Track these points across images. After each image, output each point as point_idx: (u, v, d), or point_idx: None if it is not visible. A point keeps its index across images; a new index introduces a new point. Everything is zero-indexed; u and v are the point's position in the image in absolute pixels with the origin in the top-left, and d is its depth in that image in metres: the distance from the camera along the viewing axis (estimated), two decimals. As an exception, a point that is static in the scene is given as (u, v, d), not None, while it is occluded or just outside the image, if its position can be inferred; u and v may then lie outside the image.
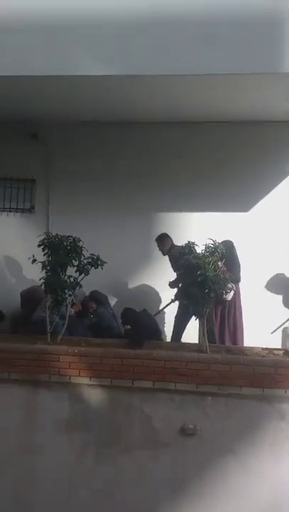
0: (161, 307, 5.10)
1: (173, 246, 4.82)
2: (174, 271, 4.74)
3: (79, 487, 3.36)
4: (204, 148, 5.37)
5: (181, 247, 4.47)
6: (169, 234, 5.03)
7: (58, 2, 3.99)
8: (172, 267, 4.77)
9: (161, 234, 4.94)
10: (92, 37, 3.95)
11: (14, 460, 3.44)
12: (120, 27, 3.90)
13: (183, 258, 3.80)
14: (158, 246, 4.93)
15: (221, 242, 4.14)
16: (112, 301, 5.34)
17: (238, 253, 4.73)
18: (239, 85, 4.20)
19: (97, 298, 4.99)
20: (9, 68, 4.02)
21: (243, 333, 4.74)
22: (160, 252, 4.97)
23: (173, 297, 4.78)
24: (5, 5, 4.01)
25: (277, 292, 5.19)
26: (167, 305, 4.95)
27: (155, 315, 4.89)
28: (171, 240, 4.90)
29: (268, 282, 5.22)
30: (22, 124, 5.39)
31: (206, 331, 3.65)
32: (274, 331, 4.81)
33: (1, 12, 4.00)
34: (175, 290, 4.77)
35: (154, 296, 5.33)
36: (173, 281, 4.74)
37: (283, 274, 5.17)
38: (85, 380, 3.40)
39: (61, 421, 3.39)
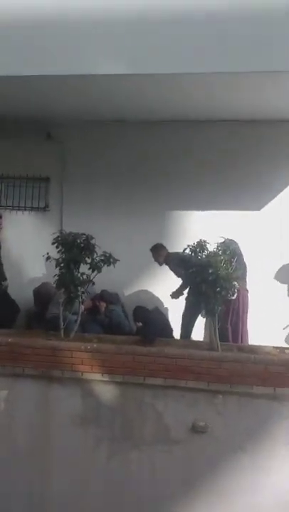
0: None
1: (168, 255, 4.84)
2: (176, 275, 4.75)
3: (92, 481, 3.41)
4: (219, 148, 5.36)
5: (177, 253, 4.50)
6: (181, 233, 5.04)
7: (73, 1, 4.04)
8: (173, 272, 4.78)
9: (156, 244, 4.97)
10: (106, 36, 3.99)
11: (28, 453, 3.51)
12: (134, 26, 3.92)
13: (194, 256, 3.82)
14: (153, 256, 4.95)
15: (225, 242, 4.15)
16: (122, 300, 5.38)
17: (249, 253, 4.71)
18: (255, 84, 4.19)
19: (107, 297, 5.03)
20: (24, 68, 4.09)
21: (247, 332, 4.74)
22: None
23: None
24: (21, 4, 4.08)
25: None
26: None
27: None
28: (166, 250, 4.92)
29: (278, 275, 5.20)
30: (36, 123, 5.46)
31: (217, 329, 3.66)
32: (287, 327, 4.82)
33: (16, 11, 4.07)
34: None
35: (166, 296, 5.35)
36: (175, 291, 4.76)
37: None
38: (98, 376, 3.44)
39: (74, 416, 3.45)
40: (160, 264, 4.94)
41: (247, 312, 4.73)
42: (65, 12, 4.03)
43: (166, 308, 5.22)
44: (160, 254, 4.91)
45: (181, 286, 4.74)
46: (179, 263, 4.52)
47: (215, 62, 3.82)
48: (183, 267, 4.36)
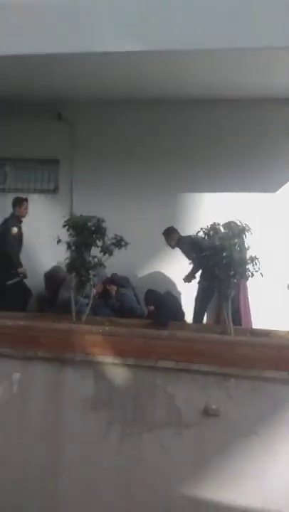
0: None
1: (180, 238, 4.80)
2: (188, 258, 4.71)
3: (104, 464, 3.44)
4: (230, 128, 5.23)
5: (189, 236, 4.44)
6: (194, 215, 4.96)
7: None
8: (186, 256, 4.74)
9: (168, 228, 4.94)
10: (114, 13, 3.86)
11: (41, 436, 3.55)
12: (142, 2, 3.79)
13: (207, 240, 3.75)
14: (165, 240, 4.93)
15: (225, 224, 4.07)
16: (135, 283, 5.36)
17: (262, 236, 4.61)
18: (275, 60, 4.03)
19: (117, 281, 5.02)
20: (32, 46, 3.99)
21: (250, 315, 4.72)
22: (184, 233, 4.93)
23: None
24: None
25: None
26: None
27: None
28: (178, 233, 4.88)
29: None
30: (46, 103, 5.37)
31: (230, 313, 3.62)
32: None
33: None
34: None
35: (179, 279, 5.31)
36: (187, 275, 4.72)
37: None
38: (109, 359, 3.44)
39: (86, 398, 3.46)
40: (172, 247, 4.91)
41: (247, 296, 4.74)
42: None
43: (179, 291, 5.19)
44: (172, 237, 4.88)
45: (192, 269, 4.71)
46: (191, 246, 4.48)
47: (223, 39, 3.68)
48: (195, 250, 4.33)
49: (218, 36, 3.67)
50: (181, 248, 4.79)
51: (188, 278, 4.71)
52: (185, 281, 4.76)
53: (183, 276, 4.78)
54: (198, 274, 4.63)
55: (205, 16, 3.71)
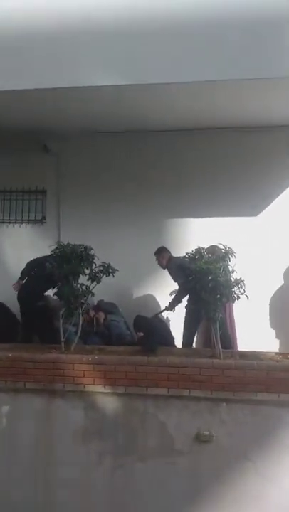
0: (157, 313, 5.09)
1: (171, 258, 4.86)
2: (175, 281, 4.75)
3: (96, 498, 3.35)
4: (212, 155, 5.40)
5: (179, 258, 4.51)
6: (180, 240, 5.05)
7: (65, 13, 4.09)
8: (173, 278, 4.78)
9: (160, 247, 5.00)
10: (99, 48, 4.04)
11: (31, 468, 3.46)
12: (130, 36, 3.98)
13: (194, 263, 3.81)
14: (157, 259, 4.96)
15: (209, 248, 4.16)
16: (123, 308, 5.36)
17: (246, 258, 4.70)
18: (247, 90, 4.24)
19: (104, 307, 5.00)
20: (20, 82, 4.13)
21: (236, 337, 4.78)
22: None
23: (166, 305, 4.79)
24: (16, 17, 4.12)
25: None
26: (160, 312, 4.95)
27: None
28: (169, 253, 4.93)
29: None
30: (32, 136, 5.49)
31: (218, 336, 3.64)
32: None
33: (12, 24, 4.11)
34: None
35: (164, 304, 5.34)
36: (171, 302, 4.74)
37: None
38: (100, 388, 3.41)
39: (77, 430, 3.40)
40: (163, 267, 4.91)
41: (233, 318, 4.82)
42: (60, 25, 4.08)
43: (168, 316, 5.20)
44: (163, 256, 4.90)
45: (177, 294, 4.72)
46: (178, 269, 4.52)
47: (212, 71, 3.87)
48: (182, 273, 4.36)
49: (203, 68, 3.87)
50: (169, 270, 4.82)
51: (172, 306, 4.70)
52: (168, 310, 4.75)
53: (165, 305, 4.79)
54: (184, 299, 4.65)
55: (189, 48, 3.90)
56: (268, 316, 5.17)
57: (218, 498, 3.25)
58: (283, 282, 5.24)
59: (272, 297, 5.21)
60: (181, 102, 4.61)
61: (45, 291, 4.60)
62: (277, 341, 5.11)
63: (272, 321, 5.17)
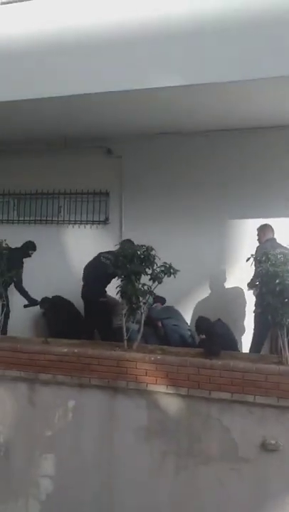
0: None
1: (269, 240, 4.59)
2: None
3: (159, 495, 3.37)
4: (273, 155, 5.21)
5: (266, 247, 4.31)
6: (242, 241, 4.92)
7: (127, 16, 4.16)
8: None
9: (266, 224, 4.77)
10: (159, 49, 4.06)
11: (95, 463, 3.56)
12: (187, 38, 3.97)
13: (260, 266, 3.68)
14: (257, 234, 4.73)
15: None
16: (183, 311, 5.33)
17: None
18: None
19: (160, 314, 4.97)
20: (82, 86, 4.29)
21: None
22: (231, 260, 4.87)
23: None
24: (76, 21, 4.27)
25: None
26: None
27: None
28: (272, 233, 4.67)
29: None
30: (96, 140, 5.67)
31: (286, 342, 3.49)
32: None
33: (78, 29, 4.27)
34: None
35: (228, 304, 5.24)
36: (250, 282, 4.55)
37: None
38: (162, 388, 3.42)
39: (140, 428, 3.45)
40: (260, 243, 4.68)
41: None
42: (117, 29, 4.17)
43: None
44: (265, 233, 4.68)
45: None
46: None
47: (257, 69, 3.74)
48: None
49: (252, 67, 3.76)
50: (257, 248, 4.60)
51: (252, 284, 4.49)
52: (249, 288, 4.56)
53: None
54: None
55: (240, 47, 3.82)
56: None
57: (283, 506, 3.12)
58: None
59: None
60: (239, 100, 4.50)
61: (106, 285, 4.79)
62: None
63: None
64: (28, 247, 5.48)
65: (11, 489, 3.72)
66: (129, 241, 4.58)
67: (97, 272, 4.84)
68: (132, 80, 4.18)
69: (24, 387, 3.75)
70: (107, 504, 3.47)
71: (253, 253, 3.86)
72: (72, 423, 3.63)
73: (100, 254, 4.96)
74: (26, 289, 5.33)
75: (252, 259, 3.75)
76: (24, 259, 5.43)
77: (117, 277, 4.04)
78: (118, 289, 3.96)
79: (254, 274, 4.44)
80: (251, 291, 4.40)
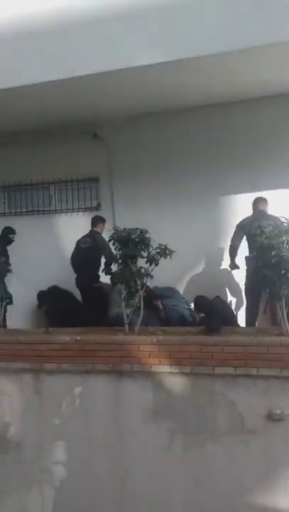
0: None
1: (259, 211, 4.62)
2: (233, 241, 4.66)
3: (170, 474, 3.43)
4: (271, 128, 5.13)
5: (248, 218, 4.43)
6: (234, 218, 4.90)
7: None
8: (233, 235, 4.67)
9: (261, 196, 4.78)
10: (139, 27, 3.97)
11: (104, 448, 3.61)
12: (168, 15, 3.87)
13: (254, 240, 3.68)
14: (252, 208, 4.76)
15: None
16: (182, 290, 5.35)
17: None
18: None
19: (160, 293, 4.98)
20: (65, 70, 4.19)
21: None
22: (227, 238, 4.89)
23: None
24: (58, 7, 4.16)
25: None
26: None
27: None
28: (264, 205, 4.67)
29: None
30: (82, 124, 5.56)
31: (285, 314, 3.51)
32: None
33: (53, 13, 4.15)
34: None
35: (223, 284, 5.26)
36: (230, 264, 4.68)
37: None
38: (166, 368, 3.45)
39: (147, 409, 3.48)
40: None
41: None
42: (98, 11, 4.06)
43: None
44: (256, 205, 4.70)
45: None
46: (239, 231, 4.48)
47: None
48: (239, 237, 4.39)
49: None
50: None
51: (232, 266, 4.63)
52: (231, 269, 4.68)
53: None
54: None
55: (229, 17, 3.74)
56: None
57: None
58: None
59: None
60: (227, 75, 4.41)
61: (97, 270, 4.97)
62: None
63: None
64: (7, 234, 5.48)
65: (25, 478, 3.78)
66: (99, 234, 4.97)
67: (83, 258, 5.02)
68: (112, 60, 4.09)
69: (30, 378, 3.76)
70: (119, 485, 3.53)
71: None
72: (79, 409, 3.66)
73: (78, 241, 5.13)
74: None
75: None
76: (9, 248, 5.44)
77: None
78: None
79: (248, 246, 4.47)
80: (246, 269, 4.48)
